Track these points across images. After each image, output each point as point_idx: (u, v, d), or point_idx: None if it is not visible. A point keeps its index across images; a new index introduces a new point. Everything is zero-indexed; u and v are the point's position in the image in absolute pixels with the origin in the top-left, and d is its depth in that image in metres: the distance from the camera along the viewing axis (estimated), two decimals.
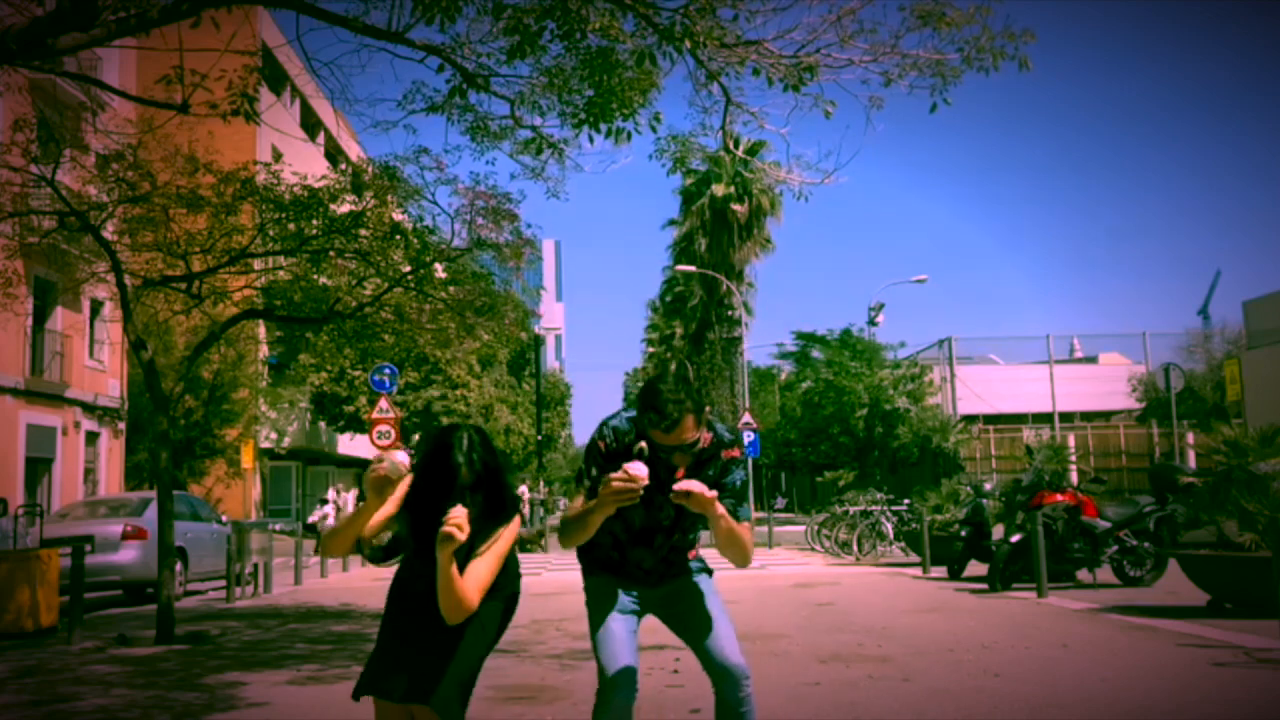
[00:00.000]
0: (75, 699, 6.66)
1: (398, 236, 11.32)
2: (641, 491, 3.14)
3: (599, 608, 3.47)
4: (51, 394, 23.83)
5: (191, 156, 11.22)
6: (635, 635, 3.46)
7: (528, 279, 20.86)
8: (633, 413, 3.47)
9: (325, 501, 26.56)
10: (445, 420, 37.40)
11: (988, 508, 13.91)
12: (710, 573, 3.61)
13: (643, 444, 3.32)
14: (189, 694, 6.69)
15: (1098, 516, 12.14)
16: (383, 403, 21.90)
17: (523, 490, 34.82)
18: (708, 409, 3.41)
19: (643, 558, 3.48)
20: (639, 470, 3.15)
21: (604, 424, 3.50)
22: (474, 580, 3.09)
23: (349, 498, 45.82)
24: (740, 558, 3.39)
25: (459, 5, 6.52)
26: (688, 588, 3.52)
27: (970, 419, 33.53)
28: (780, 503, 49.89)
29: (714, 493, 3.19)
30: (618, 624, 3.41)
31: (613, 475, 3.16)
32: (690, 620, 3.47)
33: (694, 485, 3.17)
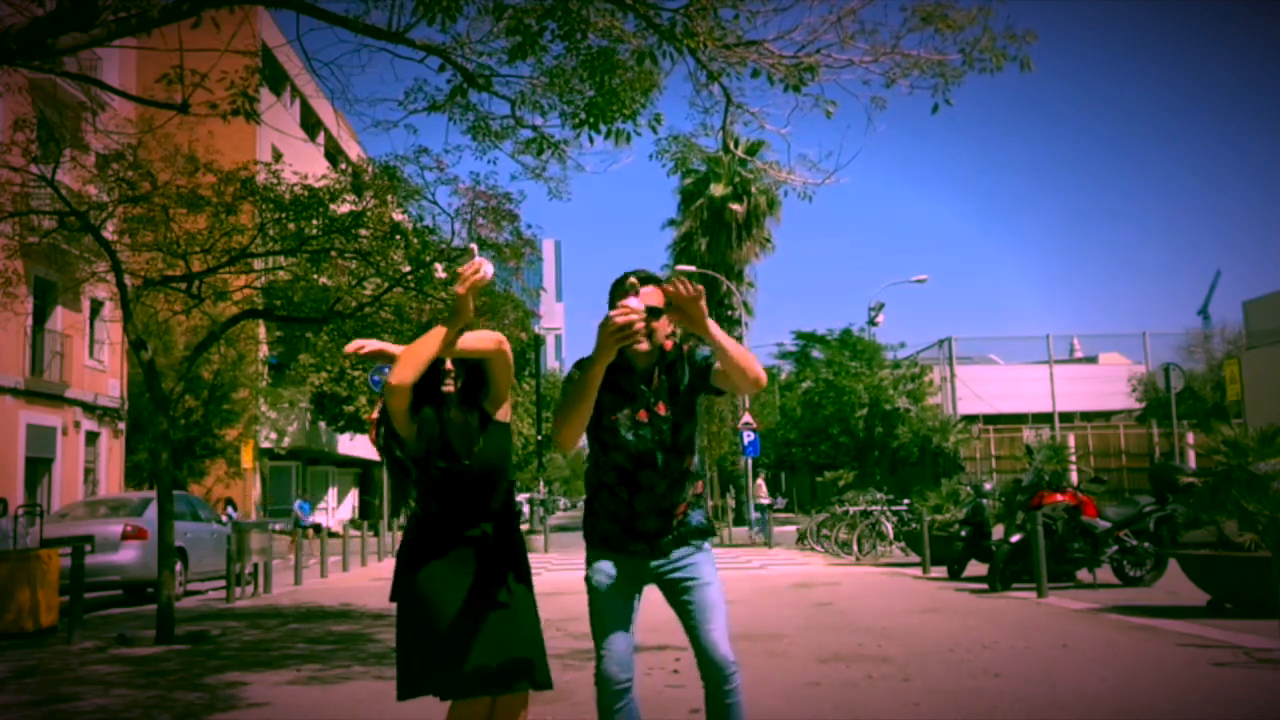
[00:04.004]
0: (75, 699, 6.66)
1: (398, 236, 11.34)
2: (641, 326, 3.09)
3: (599, 582, 3.51)
4: (51, 394, 23.82)
5: (191, 156, 11.24)
6: (634, 609, 3.49)
7: (528, 279, 20.87)
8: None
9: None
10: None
11: (988, 508, 13.90)
12: (712, 532, 3.61)
13: (633, 279, 3.32)
14: (189, 694, 6.68)
15: (1098, 516, 12.14)
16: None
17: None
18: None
19: (646, 508, 3.45)
20: (634, 303, 3.11)
21: None
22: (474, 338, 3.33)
23: (345, 504, 45.79)
24: (748, 372, 3.25)
25: (459, 5, 6.53)
26: (690, 568, 3.50)
27: (970, 419, 33.54)
28: (780, 503, 49.85)
29: (699, 288, 3.14)
30: (613, 600, 3.47)
31: (610, 313, 3.10)
32: (690, 606, 3.47)
33: (667, 289, 3.17)
